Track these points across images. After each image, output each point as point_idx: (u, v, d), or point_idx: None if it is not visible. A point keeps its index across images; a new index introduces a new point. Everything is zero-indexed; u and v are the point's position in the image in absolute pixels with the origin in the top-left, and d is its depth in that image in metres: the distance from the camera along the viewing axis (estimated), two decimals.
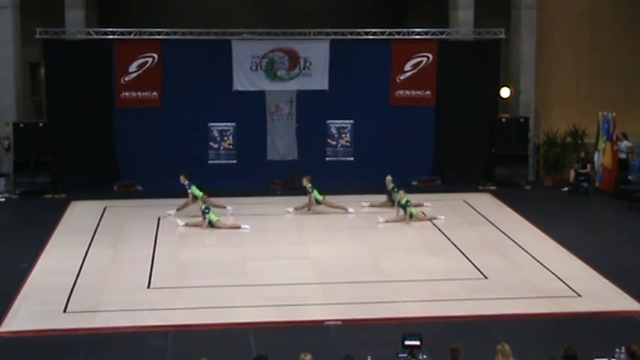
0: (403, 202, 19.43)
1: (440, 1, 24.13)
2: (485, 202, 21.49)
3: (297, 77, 22.91)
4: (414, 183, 23.16)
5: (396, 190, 20.13)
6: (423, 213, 19.84)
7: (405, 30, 23.06)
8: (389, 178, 20.53)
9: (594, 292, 14.85)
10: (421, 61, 23.19)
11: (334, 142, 23.36)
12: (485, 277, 15.61)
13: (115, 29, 22.33)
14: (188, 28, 22.37)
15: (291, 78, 22.93)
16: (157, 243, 17.81)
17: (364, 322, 13.48)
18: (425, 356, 10.11)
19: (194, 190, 19.68)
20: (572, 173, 22.75)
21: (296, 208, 20.19)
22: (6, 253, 17.18)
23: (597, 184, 22.74)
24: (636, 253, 17.33)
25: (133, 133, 22.67)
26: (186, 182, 19.88)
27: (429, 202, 20.63)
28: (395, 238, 18.47)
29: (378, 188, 20.48)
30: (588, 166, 22.76)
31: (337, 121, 23.29)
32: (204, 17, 23.81)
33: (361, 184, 22.32)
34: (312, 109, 22.96)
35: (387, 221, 19.28)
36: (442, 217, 19.59)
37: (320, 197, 20.06)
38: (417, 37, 23.04)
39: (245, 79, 22.77)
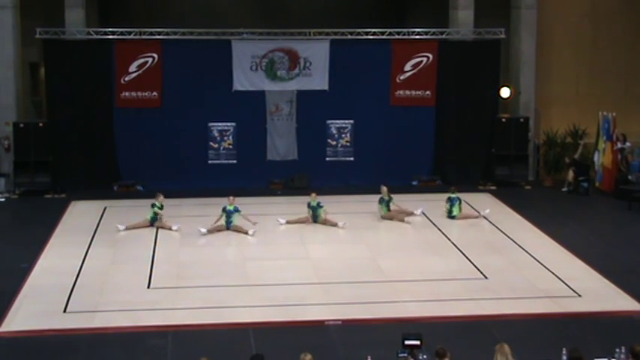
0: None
1: (440, 1, 24.11)
2: (486, 202, 21.47)
3: (297, 77, 22.90)
4: (414, 183, 23.17)
5: (391, 201, 19.64)
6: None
7: (405, 30, 23.07)
8: (385, 188, 19.78)
9: (594, 292, 14.85)
10: (421, 61, 23.19)
11: (334, 142, 23.35)
12: (486, 277, 15.62)
13: (115, 29, 22.32)
14: (188, 28, 22.36)
15: (291, 78, 22.92)
16: (157, 243, 17.82)
17: (364, 322, 13.48)
18: (425, 356, 10.12)
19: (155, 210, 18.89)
20: (570, 173, 22.74)
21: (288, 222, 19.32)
22: (6, 253, 17.20)
23: (597, 184, 22.73)
24: (636, 253, 17.34)
25: (132, 133, 22.67)
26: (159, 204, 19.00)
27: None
28: (395, 238, 18.45)
29: (377, 188, 20.41)
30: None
31: (337, 121, 23.29)
32: (204, 17, 23.81)
33: (361, 184, 22.34)
34: (312, 109, 22.96)
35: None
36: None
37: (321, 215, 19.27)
38: (417, 37, 23.03)
39: (245, 79, 22.76)
